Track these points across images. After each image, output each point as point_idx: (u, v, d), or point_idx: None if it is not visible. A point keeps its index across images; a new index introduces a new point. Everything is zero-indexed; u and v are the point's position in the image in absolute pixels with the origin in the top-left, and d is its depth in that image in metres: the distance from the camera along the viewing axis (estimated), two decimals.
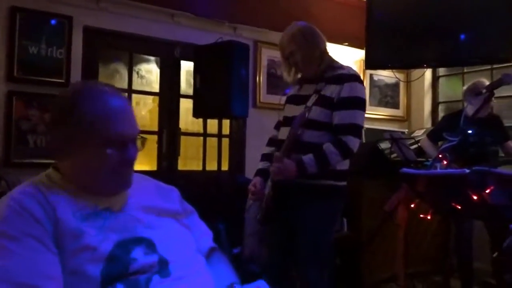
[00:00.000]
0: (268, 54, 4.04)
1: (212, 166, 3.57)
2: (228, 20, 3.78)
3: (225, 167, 3.76)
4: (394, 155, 3.58)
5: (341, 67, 2.09)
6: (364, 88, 2.11)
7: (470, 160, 2.67)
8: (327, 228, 2.04)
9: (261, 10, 3.97)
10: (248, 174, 3.69)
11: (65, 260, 0.95)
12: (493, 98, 3.21)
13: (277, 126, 2.28)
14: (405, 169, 1.42)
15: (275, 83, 4.04)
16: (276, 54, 4.08)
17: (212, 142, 3.63)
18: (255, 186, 2.12)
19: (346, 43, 4.33)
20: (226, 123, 3.80)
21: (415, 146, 3.72)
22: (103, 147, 1.04)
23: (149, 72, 3.69)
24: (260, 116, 3.86)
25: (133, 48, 3.50)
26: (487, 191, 1.31)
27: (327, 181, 2.00)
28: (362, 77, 4.46)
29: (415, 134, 4.29)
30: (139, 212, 1.11)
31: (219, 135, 3.35)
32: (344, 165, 2.06)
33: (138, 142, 1.12)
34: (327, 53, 2.16)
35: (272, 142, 2.26)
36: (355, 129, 1.97)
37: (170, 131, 3.59)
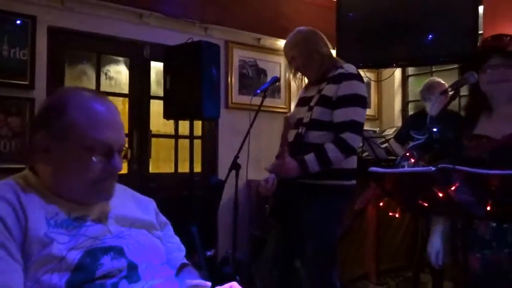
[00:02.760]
0: (239, 54, 4.02)
1: (184, 168, 3.53)
2: (199, 20, 3.75)
3: (197, 168, 3.73)
4: (366, 154, 3.62)
5: (341, 66, 2.11)
6: (364, 86, 2.13)
7: (435, 157, 2.73)
8: (330, 227, 2.04)
9: (232, 10, 3.95)
10: (221, 175, 3.67)
11: (30, 268, 0.93)
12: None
13: None
14: (373, 168, 1.43)
15: (246, 84, 4.03)
16: (247, 55, 4.10)
17: (184, 143, 3.59)
18: (267, 181, 2.10)
19: None
20: (198, 124, 3.76)
21: (386, 144, 3.77)
22: (88, 154, 1.02)
23: (118, 73, 3.62)
24: (232, 116, 3.84)
25: (101, 49, 3.43)
26: (452, 188, 1.33)
27: (331, 181, 2.02)
28: None
29: (386, 132, 4.36)
30: (113, 222, 1.09)
31: (191, 137, 3.31)
32: (350, 163, 2.07)
33: (123, 154, 1.10)
34: (330, 55, 2.21)
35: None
36: (354, 126, 1.98)
37: (140, 133, 3.53)
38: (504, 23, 3.88)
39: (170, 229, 1.28)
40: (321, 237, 2.04)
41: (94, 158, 1.03)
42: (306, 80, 2.34)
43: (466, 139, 1.72)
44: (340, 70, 2.08)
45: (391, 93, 4.98)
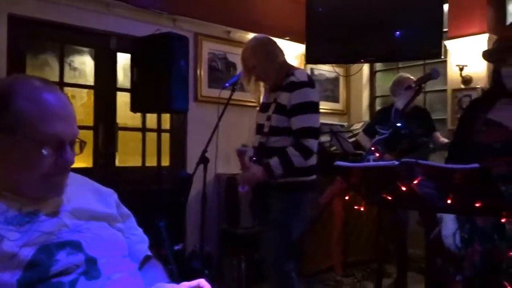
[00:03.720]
0: (209, 47, 3.98)
1: (152, 161, 3.47)
2: (167, 11, 3.67)
3: (165, 162, 3.68)
4: (334, 148, 3.66)
5: (293, 73, 2.24)
6: (315, 91, 2.27)
7: (403, 151, 2.80)
8: (288, 219, 2.21)
9: (202, 2, 3.90)
10: (189, 169, 3.63)
11: None
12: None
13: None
14: (338, 162, 1.44)
15: (216, 77, 3.99)
16: (217, 47, 4.06)
17: (152, 137, 3.53)
18: (243, 188, 2.32)
19: (287, 38, 4.36)
20: (166, 117, 3.71)
21: (354, 139, 3.83)
22: (38, 147, 0.97)
23: (83, 64, 3.51)
24: (202, 110, 3.80)
25: (64, 39, 3.31)
26: (415, 182, 1.36)
27: (292, 178, 2.19)
28: None
29: (354, 127, 4.43)
30: (69, 216, 1.05)
31: (159, 130, 3.26)
32: (309, 161, 2.23)
33: (76, 146, 1.06)
34: (284, 61, 2.35)
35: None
36: (312, 132, 2.18)
37: (106, 126, 3.44)
38: (468, 21, 4.00)
39: (132, 221, 1.25)
40: (280, 229, 2.20)
41: (44, 152, 0.98)
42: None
43: (480, 122, 1.70)
44: (291, 78, 2.21)
45: (359, 88, 5.05)
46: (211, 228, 3.70)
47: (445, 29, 4.04)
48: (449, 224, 1.69)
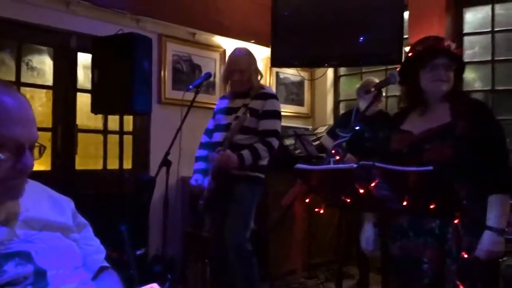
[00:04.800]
0: (173, 49, 3.93)
1: (113, 164, 3.39)
2: (130, 11, 3.61)
3: (128, 165, 3.60)
4: (298, 151, 3.69)
5: (263, 87, 2.77)
6: (280, 103, 2.78)
7: (367, 154, 2.85)
8: (252, 206, 2.64)
9: (167, 3, 3.85)
10: (153, 172, 3.57)
11: None
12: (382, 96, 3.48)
13: (207, 132, 2.85)
14: (298, 165, 1.46)
15: (181, 79, 3.95)
16: (182, 49, 4.02)
17: (114, 139, 3.45)
18: (197, 180, 2.70)
19: (253, 41, 4.37)
20: (129, 119, 3.64)
21: (318, 142, 3.88)
22: None
23: (41, 64, 3.39)
24: (166, 112, 3.75)
25: (21, 37, 3.19)
26: (372, 184, 1.39)
27: (253, 173, 2.61)
28: (268, 75, 4.58)
29: (318, 130, 4.49)
30: (21, 225, 1.01)
31: (121, 132, 3.19)
32: (265, 160, 2.66)
33: (36, 150, 1.02)
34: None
35: (205, 145, 2.81)
36: (276, 134, 2.67)
37: (65, 127, 3.34)
38: (427, 28, 4.13)
39: (89, 231, 1.22)
40: (244, 216, 2.60)
41: (2, 156, 0.94)
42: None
43: (393, 133, 1.82)
44: (264, 90, 2.70)
45: (323, 92, 5.12)
46: (174, 232, 3.65)
47: (405, 36, 4.16)
48: (366, 228, 1.82)
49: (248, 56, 2.72)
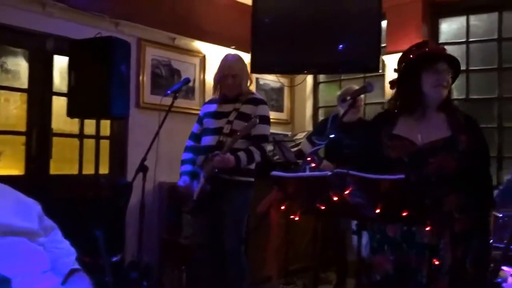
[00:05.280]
0: (152, 53, 3.91)
1: (90, 169, 3.33)
2: (109, 15, 3.57)
3: (104, 170, 3.55)
4: (277, 157, 3.71)
5: (252, 92, 2.85)
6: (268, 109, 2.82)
7: (345, 161, 2.88)
8: (245, 211, 2.70)
9: (146, 7, 3.83)
10: (130, 177, 3.52)
11: None
12: (362, 104, 3.52)
13: (193, 136, 2.84)
14: (274, 172, 1.46)
15: (160, 83, 3.93)
16: (161, 54, 3.99)
17: (90, 143, 3.40)
18: (184, 182, 2.69)
19: (233, 46, 4.37)
20: (106, 123, 3.59)
21: (297, 148, 3.89)
22: None
23: (17, 66, 3.32)
24: (144, 116, 3.72)
25: None
26: (346, 192, 1.40)
27: (244, 178, 2.66)
28: None
29: (297, 136, 4.51)
30: None
31: (97, 136, 3.15)
32: (253, 165, 2.72)
33: None
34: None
35: (192, 149, 2.80)
36: (267, 138, 2.76)
37: (40, 131, 3.27)
38: (404, 37, 4.21)
39: (57, 234, 1.19)
40: (237, 217, 2.65)
41: None
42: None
43: (385, 137, 1.76)
44: (253, 96, 2.77)
45: (303, 99, 5.16)
46: (151, 238, 3.61)
47: (383, 44, 4.23)
48: (364, 236, 1.79)
49: (241, 62, 2.78)
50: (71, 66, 3.07)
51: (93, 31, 3.16)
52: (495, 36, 4.16)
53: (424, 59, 1.75)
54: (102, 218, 3.11)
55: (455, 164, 1.64)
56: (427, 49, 1.77)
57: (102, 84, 2.89)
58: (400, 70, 1.81)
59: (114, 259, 3.28)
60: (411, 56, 1.78)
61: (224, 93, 2.76)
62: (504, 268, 2.37)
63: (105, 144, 3.59)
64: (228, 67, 2.71)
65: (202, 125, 2.78)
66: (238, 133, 2.54)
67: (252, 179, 2.74)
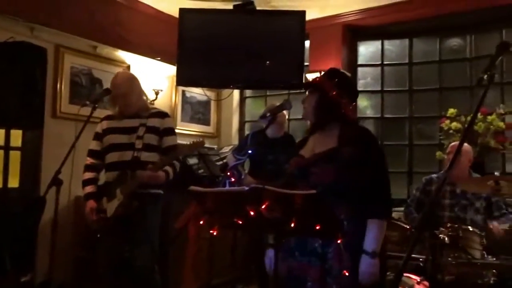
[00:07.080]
0: (72, 61, 3.74)
1: None
2: (24, 18, 3.36)
3: (14, 183, 3.30)
4: (201, 170, 3.69)
5: (154, 107, 2.87)
6: None
7: (268, 176, 2.94)
8: (157, 227, 2.71)
9: (67, 13, 3.66)
10: (44, 191, 3.31)
11: None
12: (285, 120, 3.63)
13: (94, 154, 2.72)
14: (192, 187, 1.45)
15: (79, 93, 3.76)
16: (81, 62, 3.84)
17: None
18: (91, 211, 2.61)
19: (159, 58, 4.32)
20: (17, 134, 3.35)
21: (223, 161, 3.90)
22: None
23: None
24: (61, 127, 3.54)
25: None
26: (263, 206, 1.43)
27: (155, 190, 2.67)
28: (174, 93, 4.59)
29: (223, 150, 4.52)
30: None
31: (7, 148, 2.93)
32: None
33: None
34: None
35: (96, 167, 2.73)
36: (176, 149, 2.74)
37: None
38: (325, 57, 4.44)
39: None
40: (150, 227, 2.64)
41: None
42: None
43: (293, 156, 1.90)
44: (157, 109, 2.80)
45: (229, 113, 5.20)
46: (65, 256, 3.41)
47: (306, 63, 4.41)
48: (269, 251, 1.86)
49: (129, 81, 2.73)
50: None
51: (6, 34, 2.97)
52: (406, 61, 4.51)
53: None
54: (10, 236, 2.90)
55: (333, 174, 1.70)
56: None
57: (13, 92, 2.73)
58: None
59: (23, 279, 3.06)
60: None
61: (121, 110, 2.71)
62: (411, 275, 2.55)
63: (16, 156, 3.34)
64: (116, 87, 2.68)
65: (103, 142, 2.69)
66: (177, 152, 2.62)
67: (162, 192, 2.75)
